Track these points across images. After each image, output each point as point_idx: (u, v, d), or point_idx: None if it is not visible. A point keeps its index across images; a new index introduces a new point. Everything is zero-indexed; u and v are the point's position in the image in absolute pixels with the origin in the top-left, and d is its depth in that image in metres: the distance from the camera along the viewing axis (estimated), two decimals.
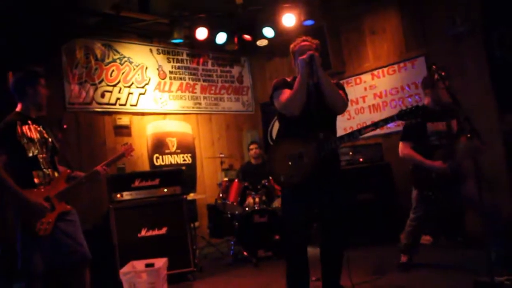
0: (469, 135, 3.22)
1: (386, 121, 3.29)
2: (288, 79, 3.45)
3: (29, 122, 3.45)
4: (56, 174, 3.50)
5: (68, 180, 3.54)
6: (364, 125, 6.08)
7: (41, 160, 3.41)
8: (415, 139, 4.27)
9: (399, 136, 4.44)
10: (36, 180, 3.36)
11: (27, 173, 3.34)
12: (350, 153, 6.04)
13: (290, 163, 3.25)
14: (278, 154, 3.36)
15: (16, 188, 3.23)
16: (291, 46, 3.54)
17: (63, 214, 3.41)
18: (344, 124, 6.75)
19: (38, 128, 3.50)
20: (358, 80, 6.80)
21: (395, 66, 6.34)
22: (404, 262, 4.43)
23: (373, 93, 6.62)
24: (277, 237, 5.68)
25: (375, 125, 3.27)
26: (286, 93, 3.30)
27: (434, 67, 3.70)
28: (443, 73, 3.60)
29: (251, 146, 6.76)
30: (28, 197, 3.23)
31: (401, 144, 4.35)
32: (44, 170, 3.42)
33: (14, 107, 3.51)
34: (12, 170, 3.31)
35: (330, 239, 3.39)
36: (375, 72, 6.59)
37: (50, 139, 3.55)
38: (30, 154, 3.35)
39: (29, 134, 3.39)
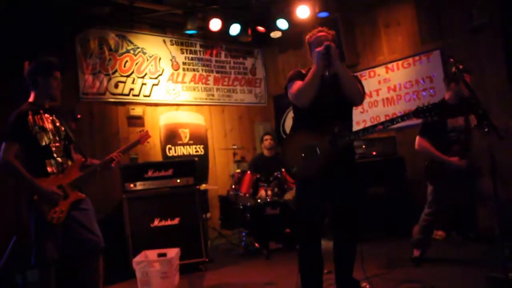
0: (486, 130, 3.18)
1: (402, 118, 3.23)
2: (303, 71, 3.43)
3: (41, 111, 3.46)
4: (69, 163, 3.51)
5: (82, 168, 3.55)
6: (378, 118, 6.07)
7: (54, 149, 3.42)
8: (433, 134, 4.23)
9: (414, 129, 4.41)
10: (49, 169, 3.37)
11: (39, 162, 3.36)
12: (363, 146, 6.01)
13: (303, 155, 3.24)
14: (292, 145, 3.34)
15: (29, 176, 3.25)
16: (307, 37, 3.51)
17: (76, 202, 3.43)
18: (357, 118, 6.72)
19: (51, 118, 3.51)
20: (372, 73, 6.75)
21: (410, 59, 6.29)
22: (417, 256, 4.42)
23: (387, 87, 6.57)
24: (287, 230, 5.68)
25: (391, 121, 3.22)
26: (298, 84, 3.29)
27: (451, 60, 3.66)
28: (461, 67, 3.56)
29: (266, 137, 6.73)
30: (41, 185, 3.26)
31: (418, 138, 4.32)
32: (57, 159, 3.43)
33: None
34: (25, 160, 3.34)
35: (343, 232, 3.37)
36: (390, 65, 6.54)
37: (63, 128, 3.56)
38: (43, 143, 3.37)
39: (41, 123, 3.40)
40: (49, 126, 3.45)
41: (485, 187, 3.90)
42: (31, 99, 3.50)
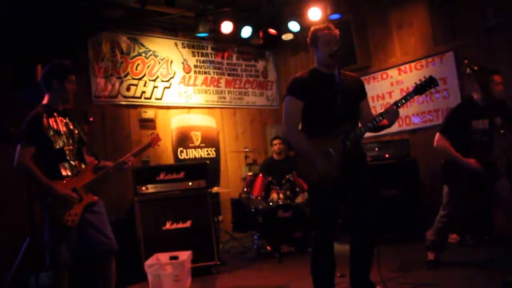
0: (502, 131, 3.14)
1: (405, 98, 3.22)
2: (303, 76, 3.39)
3: (55, 114, 3.45)
4: (83, 166, 3.50)
5: (95, 171, 3.54)
6: None
7: (67, 152, 3.41)
8: (455, 134, 4.16)
9: (428, 132, 4.37)
10: (63, 172, 3.36)
11: (54, 165, 3.35)
12: (376, 149, 5.96)
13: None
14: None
15: (44, 179, 3.25)
16: (313, 28, 3.44)
17: (90, 205, 3.42)
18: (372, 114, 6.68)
19: (65, 121, 3.50)
20: (384, 75, 6.71)
21: (423, 61, 6.23)
22: (431, 259, 4.35)
23: (399, 89, 6.52)
24: (299, 233, 5.65)
25: (396, 104, 3.20)
26: (293, 109, 3.29)
27: (466, 61, 3.62)
28: (475, 68, 3.52)
29: (274, 142, 6.71)
30: (56, 188, 3.25)
31: (438, 135, 4.23)
32: (71, 162, 3.43)
33: (42, 100, 3.53)
34: (39, 163, 3.33)
35: (362, 225, 3.27)
36: (402, 67, 6.49)
37: (76, 131, 3.55)
38: (57, 147, 3.36)
39: (55, 126, 3.40)
40: (63, 129, 3.45)
41: (503, 188, 3.85)
42: (45, 101, 3.50)
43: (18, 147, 3.29)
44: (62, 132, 3.43)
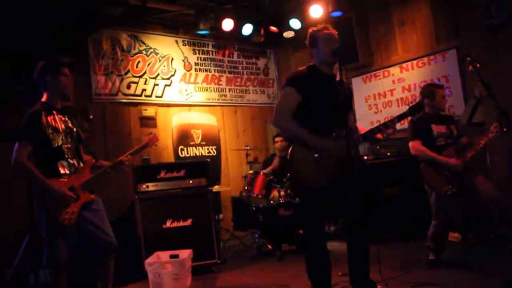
0: (505, 129, 3.13)
1: (399, 118, 3.24)
2: (304, 71, 3.36)
3: (54, 112, 3.45)
4: (81, 164, 3.50)
5: (93, 169, 3.54)
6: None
7: (66, 150, 3.41)
8: (423, 137, 4.31)
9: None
10: (61, 170, 3.36)
11: (52, 163, 3.35)
12: (378, 147, 5.93)
13: (317, 165, 3.16)
14: (301, 155, 3.22)
15: (41, 177, 3.25)
16: (311, 30, 3.43)
17: (88, 203, 3.42)
18: (371, 118, 6.66)
19: (63, 118, 3.50)
20: (386, 73, 6.67)
21: (425, 59, 6.20)
22: (433, 258, 4.33)
23: (401, 86, 6.49)
24: (301, 231, 5.63)
25: (392, 121, 3.20)
26: (291, 100, 3.25)
27: (468, 59, 3.60)
28: (478, 65, 3.50)
29: (277, 139, 6.68)
30: (53, 186, 3.25)
31: (411, 143, 4.37)
32: (69, 160, 3.43)
33: (41, 96, 3.51)
34: (37, 161, 3.33)
35: (355, 222, 3.26)
36: (404, 65, 6.46)
37: (75, 129, 3.55)
38: (55, 145, 3.36)
39: (54, 124, 3.39)
40: (61, 126, 3.44)
41: (482, 184, 3.91)
42: (43, 99, 3.48)
43: (16, 145, 3.29)
44: (61, 130, 3.42)
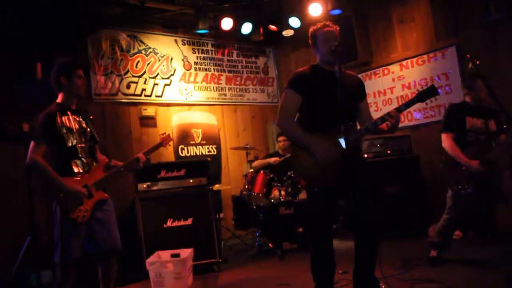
0: (505, 126, 3.12)
1: (407, 104, 3.21)
2: (305, 71, 3.37)
3: (69, 113, 3.51)
4: (94, 164, 3.55)
5: (106, 169, 3.58)
6: None
7: (79, 149, 3.46)
8: (456, 130, 4.15)
9: (429, 128, 4.37)
10: (75, 169, 3.41)
11: (66, 162, 3.40)
12: (378, 145, 5.93)
13: (317, 164, 3.17)
14: (303, 151, 3.23)
15: (55, 175, 3.29)
16: (311, 29, 3.44)
17: (100, 203, 3.46)
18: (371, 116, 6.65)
19: (78, 119, 3.56)
20: (386, 71, 6.67)
21: (425, 57, 6.19)
22: (434, 256, 4.33)
23: (401, 84, 6.49)
24: (300, 230, 5.63)
25: (398, 109, 3.19)
26: (291, 102, 3.28)
27: (468, 56, 3.59)
28: (477, 62, 3.49)
29: (280, 138, 6.66)
30: (66, 184, 3.29)
31: (442, 135, 4.22)
32: (83, 159, 3.47)
33: (42, 97, 3.54)
34: (51, 160, 3.38)
35: (365, 224, 3.23)
36: (404, 63, 6.45)
37: (88, 129, 3.61)
38: (69, 144, 3.41)
39: (68, 124, 3.45)
40: (75, 126, 3.50)
41: (505, 184, 3.83)
42: (59, 99, 3.54)
43: (31, 144, 3.35)
44: (75, 130, 3.49)
